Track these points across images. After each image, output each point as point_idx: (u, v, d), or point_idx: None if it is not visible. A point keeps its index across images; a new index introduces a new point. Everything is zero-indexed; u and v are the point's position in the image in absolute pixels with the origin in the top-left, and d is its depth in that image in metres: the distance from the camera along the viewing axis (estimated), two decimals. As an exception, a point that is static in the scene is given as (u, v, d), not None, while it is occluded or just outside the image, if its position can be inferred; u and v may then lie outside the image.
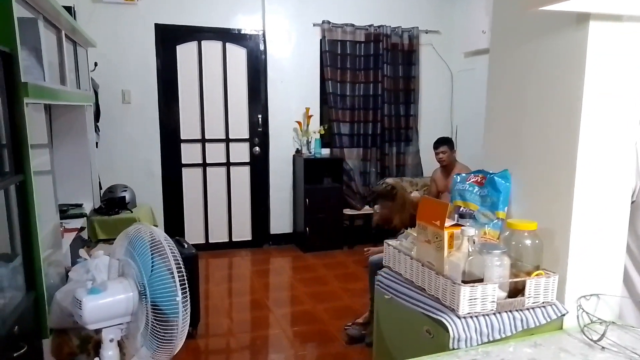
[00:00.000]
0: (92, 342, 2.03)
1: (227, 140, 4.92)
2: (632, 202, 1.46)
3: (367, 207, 5.22)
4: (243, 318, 3.54)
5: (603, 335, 1.26)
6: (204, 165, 4.89)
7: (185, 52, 4.70)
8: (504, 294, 1.37)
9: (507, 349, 1.28)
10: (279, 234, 5.15)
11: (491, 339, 1.32)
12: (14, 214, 1.80)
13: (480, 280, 1.33)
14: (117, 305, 1.54)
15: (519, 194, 1.57)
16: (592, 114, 1.35)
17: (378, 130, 5.24)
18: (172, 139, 4.74)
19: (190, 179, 4.87)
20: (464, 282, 1.32)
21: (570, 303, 1.41)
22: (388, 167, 5.32)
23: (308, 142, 4.99)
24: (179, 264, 1.51)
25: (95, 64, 3.99)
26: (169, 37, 4.62)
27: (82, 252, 2.71)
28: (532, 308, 1.38)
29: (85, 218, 3.25)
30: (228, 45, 4.80)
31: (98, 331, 1.59)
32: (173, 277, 1.50)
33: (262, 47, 4.87)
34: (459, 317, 1.31)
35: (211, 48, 4.76)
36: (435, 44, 5.35)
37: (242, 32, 4.82)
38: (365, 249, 3.25)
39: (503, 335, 1.33)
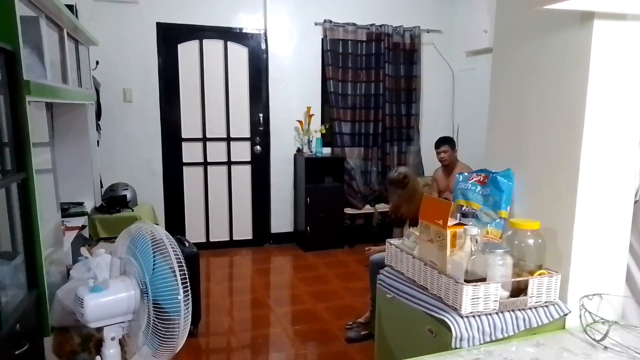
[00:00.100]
0: (93, 341, 2.03)
1: (228, 139, 4.92)
2: (635, 202, 1.46)
3: (367, 206, 5.22)
4: (244, 317, 3.54)
5: (606, 335, 1.26)
6: (205, 164, 4.89)
7: (187, 51, 4.70)
8: (507, 294, 1.37)
9: (510, 348, 1.28)
10: (280, 233, 5.15)
11: (494, 338, 1.32)
12: (15, 212, 1.80)
13: (483, 280, 1.33)
14: (118, 303, 1.54)
15: (521, 193, 1.56)
16: (595, 113, 1.35)
17: (379, 130, 5.23)
18: (173, 138, 4.74)
19: (191, 178, 4.87)
20: (467, 281, 1.32)
21: (572, 302, 1.41)
22: (389, 166, 5.31)
23: (309, 141, 4.98)
24: (180, 262, 1.51)
25: (97, 63, 3.99)
26: (170, 36, 4.62)
27: (84, 250, 2.70)
28: (535, 307, 1.38)
29: (86, 216, 3.25)
30: (229, 44, 4.80)
31: (99, 329, 1.59)
32: (175, 276, 1.50)
33: (263, 46, 4.87)
34: (462, 317, 1.31)
35: (213, 47, 4.76)
36: (437, 44, 5.34)
37: (244, 31, 4.82)
38: (366, 248, 3.25)
39: (505, 335, 1.33)
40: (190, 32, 4.66)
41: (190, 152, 4.83)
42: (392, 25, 5.11)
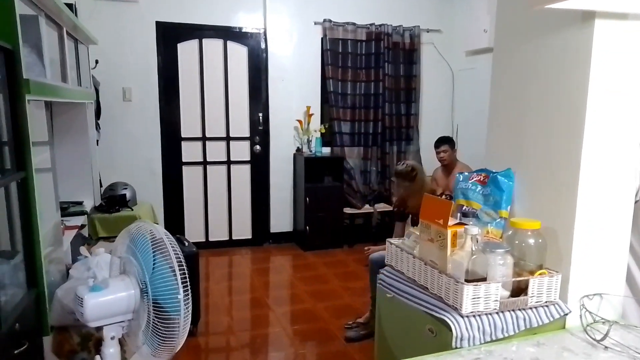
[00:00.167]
0: (92, 340, 2.03)
1: (228, 139, 4.91)
2: (636, 202, 1.46)
3: (367, 206, 5.22)
4: (243, 316, 3.54)
5: (606, 334, 1.26)
6: (205, 163, 4.88)
7: (186, 50, 4.69)
8: (507, 293, 1.37)
9: (510, 348, 1.28)
10: (279, 232, 5.15)
11: (494, 338, 1.32)
12: (15, 211, 1.80)
13: (484, 279, 1.33)
14: (118, 302, 1.53)
15: (522, 193, 1.56)
16: (596, 113, 1.35)
17: (379, 129, 5.23)
18: (173, 137, 4.74)
19: (191, 177, 4.86)
20: (467, 280, 1.31)
21: (573, 302, 1.41)
22: (389, 166, 5.31)
23: (309, 141, 4.98)
24: (180, 261, 1.51)
25: (96, 62, 3.99)
26: (170, 35, 4.61)
27: (83, 249, 2.70)
28: (535, 307, 1.38)
29: (85, 216, 3.25)
30: (229, 43, 4.79)
31: (99, 329, 1.59)
32: (175, 275, 1.50)
33: (263, 46, 4.86)
34: (462, 316, 1.31)
35: (212, 46, 4.76)
36: (437, 43, 5.34)
37: (243, 30, 4.81)
38: (366, 248, 3.25)
39: (506, 335, 1.33)
40: (189, 32, 4.66)
41: (190, 152, 4.82)
42: (391, 25, 5.11)
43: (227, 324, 3.35)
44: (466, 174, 1.73)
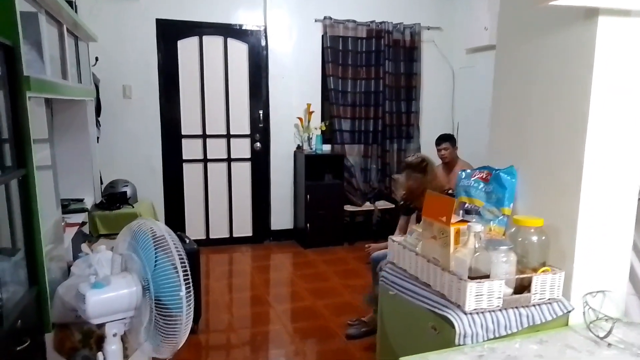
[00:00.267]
0: (94, 337, 2.02)
1: (228, 136, 4.90)
2: (639, 199, 1.46)
3: (367, 203, 5.21)
4: (244, 314, 3.54)
5: (610, 332, 1.26)
6: (205, 160, 4.88)
7: (187, 48, 4.68)
8: (510, 291, 1.37)
9: (513, 345, 1.28)
10: (280, 230, 5.15)
11: (497, 335, 1.32)
12: (15, 209, 1.79)
13: (487, 277, 1.33)
14: (120, 299, 1.53)
15: (524, 190, 1.56)
16: (600, 110, 1.34)
17: (379, 127, 5.23)
18: (173, 135, 4.73)
19: (191, 175, 4.86)
20: (470, 278, 1.31)
21: (576, 300, 1.40)
22: (389, 163, 5.31)
23: (309, 139, 4.97)
24: (182, 259, 1.51)
25: (96, 59, 3.97)
26: (170, 32, 4.60)
27: (84, 246, 2.70)
28: (538, 304, 1.38)
29: (86, 213, 3.24)
30: (229, 40, 4.78)
31: (101, 326, 1.59)
32: (177, 272, 1.49)
33: (263, 43, 4.85)
34: (465, 313, 1.30)
35: (212, 43, 4.74)
36: (437, 41, 5.33)
37: (244, 27, 4.80)
38: (367, 245, 3.25)
39: (509, 332, 1.33)
40: (190, 29, 4.65)
41: (190, 149, 4.81)
42: (392, 23, 5.09)
43: (228, 321, 3.35)
44: (468, 171, 1.73)
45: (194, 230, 4.81)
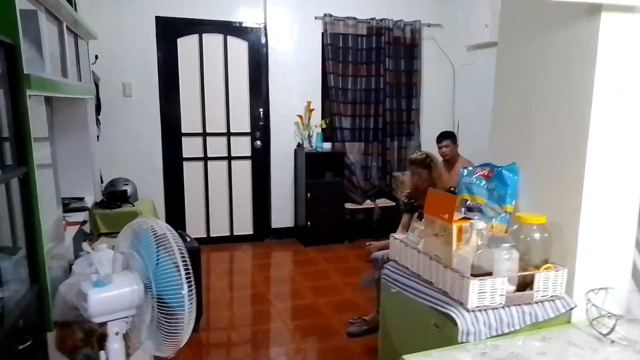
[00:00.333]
0: (95, 335, 2.02)
1: (229, 134, 4.90)
2: (642, 196, 1.45)
3: (368, 201, 5.21)
4: (244, 312, 3.54)
5: (612, 329, 1.26)
6: (205, 159, 4.87)
7: (186, 45, 4.67)
8: (513, 288, 1.36)
9: (516, 342, 1.28)
10: (280, 228, 5.15)
11: (500, 332, 1.32)
12: (16, 207, 1.79)
13: (489, 274, 1.33)
14: (122, 298, 1.53)
15: (527, 187, 1.56)
16: (602, 107, 1.34)
17: (380, 125, 5.22)
18: (173, 133, 4.72)
19: (192, 173, 4.85)
20: (473, 275, 1.31)
21: (578, 297, 1.40)
22: (389, 161, 5.31)
23: (309, 136, 4.97)
24: (184, 257, 1.50)
25: (96, 57, 3.97)
26: (169, 30, 4.59)
27: (85, 245, 2.69)
28: (541, 302, 1.38)
29: (87, 212, 3.24)
30: (229, 38, 4.77)
31: (102, 324, 1.58)
32: (178, 271, 1.49)
33: (263, 40, 4.84)
34: (468, 311, 1.30)
35: (212, 41, 4.73)
36: (438, 38, 5.32)
37: (244, 25, 4.79)
38: (367, 243, 3.24)
39: (512, 329, 1.33)
40: (189, 26, 4.64)
41: (190, 147, 4.81)
42: (392, 20, 5.08)
43: (229, 319, 3.35)
44: (470, 168, 1.72)
45: (195, 228, 4.81)
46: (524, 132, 1.58)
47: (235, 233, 5.06)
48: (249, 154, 4.99)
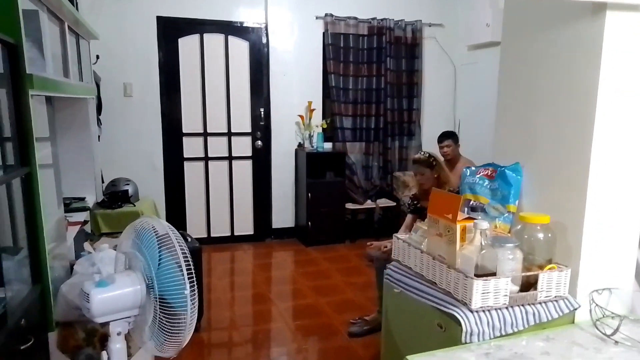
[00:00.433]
0: (97, 335, 2.02)
1: (229, 134, 4.89)
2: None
3: (369, 201, 5.20)
4: (246, 311, 3.53)
5: (617, 329, 1.25)
6: (206, 159, 4.87)
7: (187, 45, 4.66)
8: (516, 288, 1.36)
9: (520, 342, 1.27)
10: (281, 228, 5.14)
11: (503, 333, 1.32)
12: (18, 207, 1.79)
13: (493, 274, 1.32)
14: (124, 298, 1.53)
15: (530, 187, 1.55)
16: (607, 106, 1.33)
17: (381, 124, 5.21)
18: (174, 133, 4.72)
19: (192, 173, 4.85)
20: (477, 275, 1.31)
21: (582, 297, 1.40)
22: (390, 161, 5.30)
23: (310, 136, 4.96)
24: (187, 257, 1.50)
25: (97, 57, 3.96)
26: (170, 30, 4.58)
27: (87, 245, 2.69)
28: (545, 302, 1.37)
29: (88, 212, 3.23)
30: (230, 38, 4.76)
31: (104, 324, 1.58)
32: (181, 271, 1.49)
33: (264, 40, 4.84)
34: (472, 311, 1.30)
35: (213, 41, 4.73)
36: (439, 38, 5.31)
37: (245, 24, 4.78)
38: (368, 243, 3.24)
39: (515, 330, 1.33)
40: (190, 26, 4.63)
41: (191, 147, 4.80)
42: (393, 19, 5.08)
43: (230, 319, 3.35)
44: (473, 168, 1.72)
45: (195, 228, 4.81)
46: (528, 132, 1.57)
47: (236, 233, 5.05)
48: (249, 154, 4.98)
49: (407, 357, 1.18)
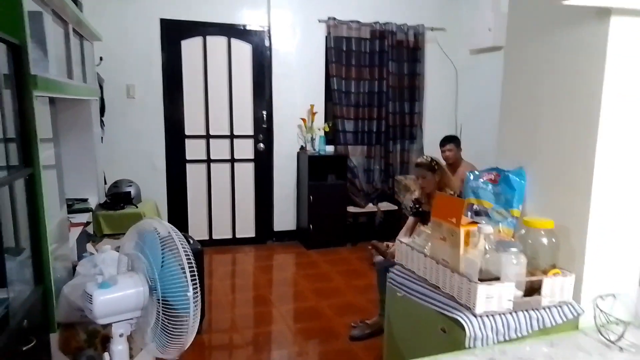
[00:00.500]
0: (99, 337, 2.02)
1: (232, 137, 4.90)
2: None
3: (370, 204, 5.20)
4: (247, 314, 3.53)
5: (622, 335, 1.25)
6: (208, 161, 4.87)
7: (190, 47, 4.67)
8: (520, 293, 1.36)
9: (524, 348, 1.27)
10: (283, 230, 5.14)
11: (507, 338, 1.31)
12: (21, 208, 1.79)
13: (497, 279, 1.32)
14: (127, 299, 1.52)
15: (534, 192, 1.55)
16: (611, 110, 1.33)
17: (382, 128, 5.22)
18: (177, 135, 4.72)
19: (195, 175, 4.85)
20: (480, 280, 1.30)
21: (586, 303, 1.39)
22: (392, 164, 5.30)
23: (312, 139, 4.96)
24: (190, 259, 1.50)
25: (101, 59, 3.97)
26: (173, 32, 4.59)
27: (89, 246, 2.69)
28: (549, 307, 1.37)
29: (90, 213, 3.24)
30: (233, 40, 4.77)
31: (106, 326, 1.58)
32: (184, 273, 1.48)
33: (267, 43, 4.84)
34: (475, 316, 1.29)
35: (216, 43, 4.74)
36: (441, 41, 5.31)
37: (247, 27, 4.79)
38: (371, 243, 3.24)
39: (519, 335, 1.32)
40: (193, 28, 4.64)
41: (194, 149, 4.81)
42: (396, 23, 5.09)
43: (231, 321, 3.34)
44: (477, 172, 1.72)
45: (197, 230, 4.81)
46: (532, 136, 1.57)
47: (237, 235, 5.05)
48: (251, 156, 4.98)
49: (411, 361, 1.18)
